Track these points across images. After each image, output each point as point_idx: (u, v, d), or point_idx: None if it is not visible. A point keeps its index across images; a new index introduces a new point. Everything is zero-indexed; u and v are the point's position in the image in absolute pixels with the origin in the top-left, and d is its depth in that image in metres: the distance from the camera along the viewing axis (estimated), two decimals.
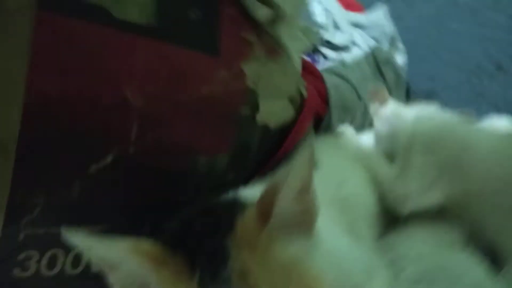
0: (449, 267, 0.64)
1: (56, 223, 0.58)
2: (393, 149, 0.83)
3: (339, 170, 0.82)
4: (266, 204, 0.40)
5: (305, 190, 0.42)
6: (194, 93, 0.68)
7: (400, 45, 1.34)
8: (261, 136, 0.80)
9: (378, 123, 0.89)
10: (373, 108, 0.92)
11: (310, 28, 1.02)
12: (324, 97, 1.04)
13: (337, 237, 0.56)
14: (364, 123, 1.09)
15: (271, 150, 0.84)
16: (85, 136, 0.59)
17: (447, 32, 1.50)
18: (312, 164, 0.40)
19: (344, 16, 1.39)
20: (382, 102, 0.90)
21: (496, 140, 0.74)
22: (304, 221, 0.43)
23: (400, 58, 1.31)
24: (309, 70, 1.05)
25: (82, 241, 0.43)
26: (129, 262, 0.42)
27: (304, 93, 0.90)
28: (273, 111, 0.81)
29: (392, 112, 0.87)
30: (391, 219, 0.78)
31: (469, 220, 0.71)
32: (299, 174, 0.40)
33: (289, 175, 0.39)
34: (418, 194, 0.73)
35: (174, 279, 0.40)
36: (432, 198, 0.73)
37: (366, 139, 0.92)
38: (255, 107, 0.77)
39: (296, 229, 0.42)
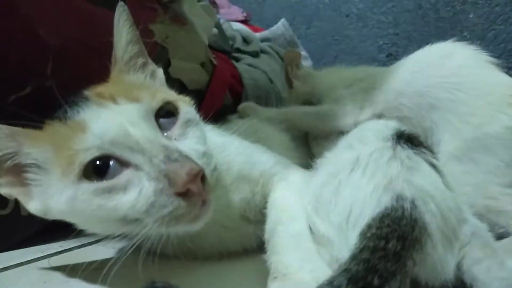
0: None
1: None
2: (315, 98, 1.01)
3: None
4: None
5: (133, 42, 0.60)
6: (105, 40, 0.76)
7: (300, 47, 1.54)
8: (180, 93, 0.88)
9: (298, 83, 1.06)
10: (292, 73, 1.07)
11: (210, 7, 1.16)
12: (238, 79, 1.16)
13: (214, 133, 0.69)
14: (278, 104, 1.22)
15: None
16: (5, 67, 0.64)
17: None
18: (131, 23, 0.60)
19: (251, 34, 1.57)
20: (297, 65, 1.08)
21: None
22: (140, 60, 0.61)
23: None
24: (222, 59, 1.17)
25: None
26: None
27: (214, 61, 1.01)
28: (185, 70, 0.90)
29: (306, 73, 1.08)
30: None
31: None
32: (122, 33, 0.59)
33: (116, 35, 0.59)
34: (354, 112, 0.89)
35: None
36: (367, 114, 0.88)
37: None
38: (167, 63, 0.87)
39: (136, 66, 0.61)
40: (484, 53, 0.82)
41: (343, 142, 0.63)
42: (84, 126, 0.48)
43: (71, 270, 0.60)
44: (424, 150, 0.54)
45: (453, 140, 0.74)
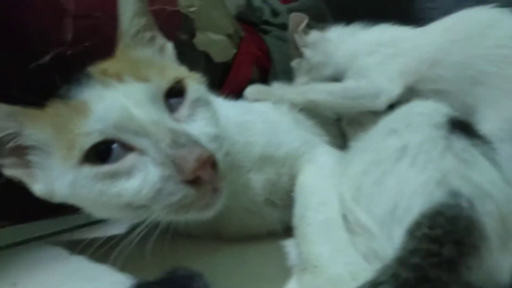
0: None
1: None
2: (332, 69, 0.87)
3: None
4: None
5: (140, 13, 0.55)
6: None
7: None
8: (206, 65, 0.84)
9: (308, 52, 0.89)
10: (299, 39, 0.91)
11: None
12: (266, 53, 1.10)
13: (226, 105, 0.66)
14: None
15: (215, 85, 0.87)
16: (24, 35, 0.60)
17: None
18: None
19: (279, 5, 1.50)
20: (304, 30, 0.90)
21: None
22: (148, 34, 0.57)
23: None
24: (249, 31, 1.11)
25: None
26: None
27: (241, 33, 0.95)
28: (212, 41, 0.85)
29: (316, 38, 0.89)
30: None
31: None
32: (128, 3, 0.54)
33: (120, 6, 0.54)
34: (387, 85, 0.76)
35: None
36: (398, 86, 0.76)
37: None
38: (192, 34, 0.82)
39: (144, 40, 0.56)
40: None
41: (385, 125, 0.57)
42: (86, 108, 0.45)
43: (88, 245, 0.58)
44: (481, 141, 0.48)
45: (497, 119, 0.66)
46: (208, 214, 0.45)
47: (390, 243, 0.42)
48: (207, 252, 0.59)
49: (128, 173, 0.44)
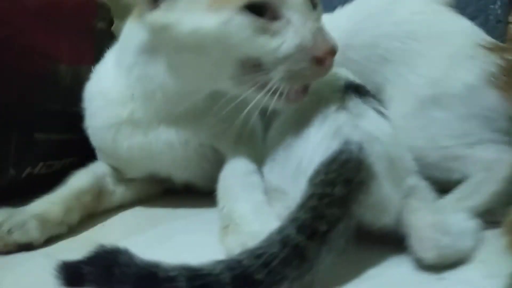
0: None
1: None
2: None
3: None
4: None
5: None
6: None
7: None
8: None
9: None
10: None
11: None
12: None
13: None
14: None
15: None
16: None
17: None
18: None
19: None
20: None
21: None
22: None
23: None
24: None
25: None
26: None
27: None
28: None
29: None
30: None
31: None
32: None
33: None
34: None
35: None
36: None
37: None
38: (110, 22, 0.82)
39: None
40: None
41: None
42: None
43: None
44: (371, 98, 0.53)
45: (405, 96, 0.69)
46: (293, 106, 0.53)
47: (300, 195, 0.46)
48: (133, 230, 0.62)
49: (274, 33, 0.50)
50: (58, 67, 0.73)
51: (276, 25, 0.50)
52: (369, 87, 0.60)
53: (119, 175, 0.69)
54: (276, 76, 0.50)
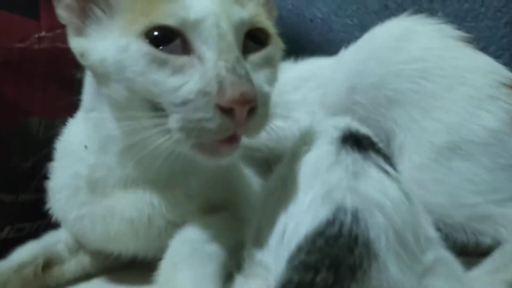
0: None
1: None
2: None
3: None
4: None
5: None
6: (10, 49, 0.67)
7: None
8: None
9: None
10: None
11: None
12: None
13: None
14: None
15: None
16: None
17: None
18: None
19: None
20: None
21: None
22: None
23: None
24: None
25: None
26: None
27: None
28: None
29: None
30: None
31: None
32: None
33: None
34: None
35: None
36: None
37: None
38: None
39: None
40: (451, 28, 0.67)
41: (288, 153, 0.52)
42: None
43: None
44: (374, 153, 0.44)
45: (419, 144, 0.61)
46: (217, 162, 0.46)
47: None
48: None
49: (174, 70, 0.43)
50: (29, 120, 0.69)
51: (181, 60, 0.43)
52: (378, 135, 0.51)
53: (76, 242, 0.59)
54: (174, 124, 0.42)
